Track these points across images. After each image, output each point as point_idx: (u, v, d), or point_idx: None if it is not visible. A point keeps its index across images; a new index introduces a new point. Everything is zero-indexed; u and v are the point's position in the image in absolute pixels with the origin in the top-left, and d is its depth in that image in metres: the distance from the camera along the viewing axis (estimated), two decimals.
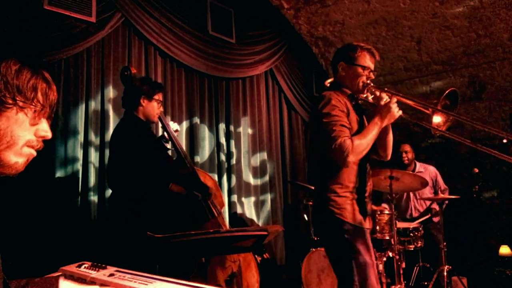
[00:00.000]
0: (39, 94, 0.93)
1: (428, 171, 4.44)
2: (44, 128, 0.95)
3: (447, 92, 1.90)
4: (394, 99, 2.04)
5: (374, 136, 1.99)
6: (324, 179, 2.08)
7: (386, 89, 2.13)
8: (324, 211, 2.03)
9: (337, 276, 2.05)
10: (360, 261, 1.94)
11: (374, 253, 2.10)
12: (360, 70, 2.12)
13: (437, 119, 1.93)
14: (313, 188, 3.83)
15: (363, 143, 1.95)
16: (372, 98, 2.17)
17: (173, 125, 2.87)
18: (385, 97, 2.07)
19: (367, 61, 2.15)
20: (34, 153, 0.94)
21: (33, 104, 0.91)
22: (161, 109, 2.74)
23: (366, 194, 2.11)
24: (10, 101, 0.87)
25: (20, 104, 0.89)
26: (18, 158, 0.91)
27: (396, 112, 2.02)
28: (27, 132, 0.92)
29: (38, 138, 0.94)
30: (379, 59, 2.23)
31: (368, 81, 2.13)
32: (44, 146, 0.96)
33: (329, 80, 2.30)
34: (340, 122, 1.97)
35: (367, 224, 2.09)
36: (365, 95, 2.18)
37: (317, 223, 2.21)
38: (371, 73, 2.16)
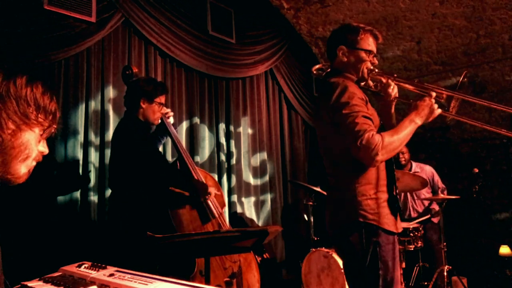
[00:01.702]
0: (53, 115, 1.04)
1: (424, 171, 4.43)
2: (45, 145, 1.07)
3: (462, 76, 1.78)
4: (434, 94, 1.77)
5: (408, 135, 1.72)
6: (347, 179, 1.79)
7: (395, 75, 1.90)
8: (353, 218, 1.74)
9: None
10: (388, 279, 1.71)
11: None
12: (364, 54, 1.89)
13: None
14: (315, 188, 3.84)
15: (396, 141, 1.67)
16: (375, 86, 1.96)
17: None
18: (392, 85, 1.88)
19: (371, 44, 1.92)
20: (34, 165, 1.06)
21: (48, 123, 1.03)
22: (164, 110, 2.70)
23: (397, 191, 1.86)
24: (34, 117, 0.99)
25: (41, 121, 1.01)
26: (26, 169, 1.02)
27: (437, 110, 1.77)
28: (36, 147, 1.03)
29: (39, 153, 1.05)
30: (382, 41, 2.01)
31: (372, 67, 1.91)
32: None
33: (317, 67, 2.09)
34: (361, 112, 1.68)
35: (399, 227, 1.82)
36: (363, 83, 1.96)
37: (339, 231, 1.83)
38: (375, 58, 1.94)
